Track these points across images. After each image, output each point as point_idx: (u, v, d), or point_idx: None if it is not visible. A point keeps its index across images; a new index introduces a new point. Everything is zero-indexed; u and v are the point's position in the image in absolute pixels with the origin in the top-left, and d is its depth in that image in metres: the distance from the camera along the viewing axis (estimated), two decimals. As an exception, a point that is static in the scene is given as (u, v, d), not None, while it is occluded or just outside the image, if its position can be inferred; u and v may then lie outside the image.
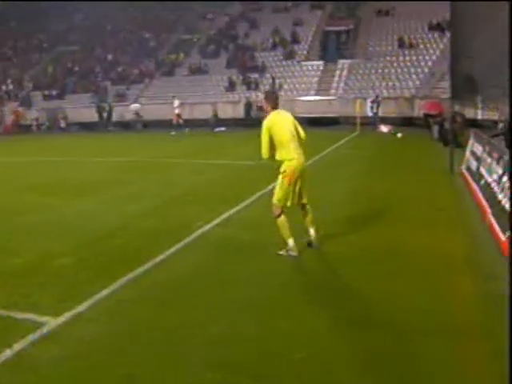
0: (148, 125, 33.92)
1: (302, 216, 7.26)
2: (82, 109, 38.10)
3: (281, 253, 7.00)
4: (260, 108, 5.63)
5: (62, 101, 40.48)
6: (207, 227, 8.63)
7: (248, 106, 32.62)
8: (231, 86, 36.59)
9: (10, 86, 44.56)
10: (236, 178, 14.13)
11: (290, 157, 6.91)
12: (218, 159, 17.80)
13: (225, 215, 9.36)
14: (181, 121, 30.65)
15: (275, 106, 7.16)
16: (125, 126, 35.70)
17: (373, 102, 29.91)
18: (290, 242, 6.97)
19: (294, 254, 6.95)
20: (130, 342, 4.75)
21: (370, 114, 29.61)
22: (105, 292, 5.85)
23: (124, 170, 16.32)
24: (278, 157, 6.97)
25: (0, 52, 50.04)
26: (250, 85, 36.17)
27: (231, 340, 4.72)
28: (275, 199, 6.98)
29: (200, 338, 4.77)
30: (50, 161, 19.60)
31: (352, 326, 4.96)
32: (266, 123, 6.94)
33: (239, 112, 33.87)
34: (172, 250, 7.42)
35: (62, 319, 5.18)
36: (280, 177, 6.95)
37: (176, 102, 30.98)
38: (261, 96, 6.35)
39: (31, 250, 7.71)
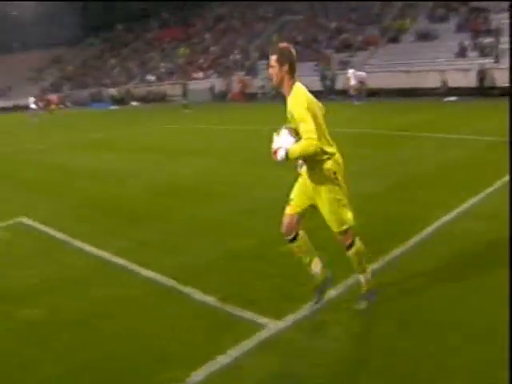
0: (374, 94, 33.02)
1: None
2: (305, 77, 38.40)
3: None
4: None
5: (287, 70, 41.37)
6: (446, 218, 7.17)
7: (482, 73, 30.18)
8: (462, 52, 34.13)
9: (237, 56, 46.65)
10: (478, 158, 11.88)
11: (334, 149, 4.59)
12: (456, 134, 15.29)
13: (467, 204, 7.79)
14: (352, 91, 31.21)
15: (293, 74, 4.57)
16: (348, 94, 35.30)
17: None
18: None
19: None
20: (367, 377, 3.83)
21: None
22: (331, 293, 5.01)
23: (345, 141, 15.32)
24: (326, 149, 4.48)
25: (228, 24, 52.59)
26: (484, 50, 33.48)
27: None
28: (344, 220, 4.54)
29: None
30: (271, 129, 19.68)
31: None
32: (303, 96, 4.52)
33: (471, 80, 31.50)
34: (404, 248, 6.15)
35: (282, 324, 4.51)
36: (329, 183, 4.48)
37: (349, 72, 31.54)
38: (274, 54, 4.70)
39: (252, 232, 7.20)
